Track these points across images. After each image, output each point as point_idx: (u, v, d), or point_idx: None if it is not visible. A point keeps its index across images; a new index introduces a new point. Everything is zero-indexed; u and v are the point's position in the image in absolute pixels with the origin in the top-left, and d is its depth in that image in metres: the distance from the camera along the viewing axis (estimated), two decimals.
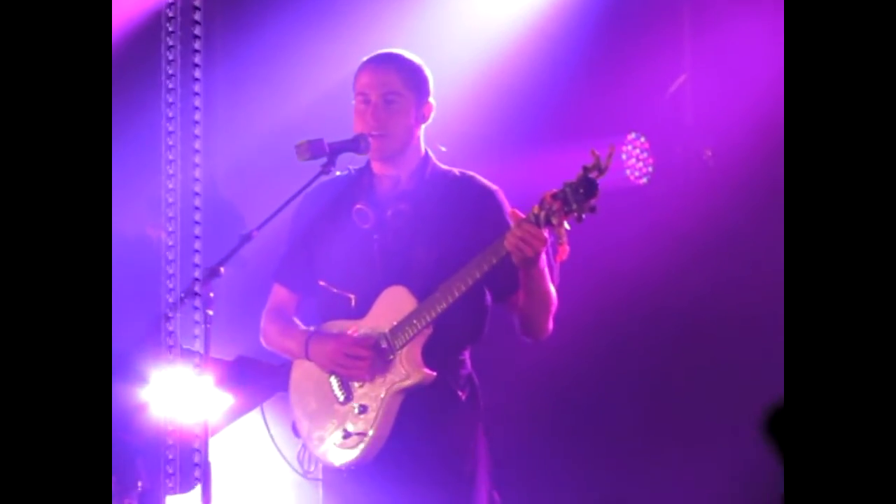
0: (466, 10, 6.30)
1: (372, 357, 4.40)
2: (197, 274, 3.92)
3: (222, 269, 4.25)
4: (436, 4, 6.26)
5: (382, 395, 4.41)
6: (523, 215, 4.21)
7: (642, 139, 6.16)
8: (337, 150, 4.50)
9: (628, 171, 6.14)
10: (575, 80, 6.22)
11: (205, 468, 4.04)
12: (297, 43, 6.33)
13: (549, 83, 6.22)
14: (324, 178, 4.49)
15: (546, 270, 4.33)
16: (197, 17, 3.57)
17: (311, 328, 4.57)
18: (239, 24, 6.33)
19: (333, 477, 4.50)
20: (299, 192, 4.47)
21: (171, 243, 3.74)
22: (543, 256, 4.27)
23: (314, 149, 4.48)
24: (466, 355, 4.52)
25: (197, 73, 3.62)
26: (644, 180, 6.18)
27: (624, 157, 6.12)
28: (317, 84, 6.24)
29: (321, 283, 4.57)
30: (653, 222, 6.09)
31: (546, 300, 4.40)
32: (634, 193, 6.12)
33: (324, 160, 4.48)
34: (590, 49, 6.17)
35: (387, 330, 4.41)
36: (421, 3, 6.25)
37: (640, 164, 6.16)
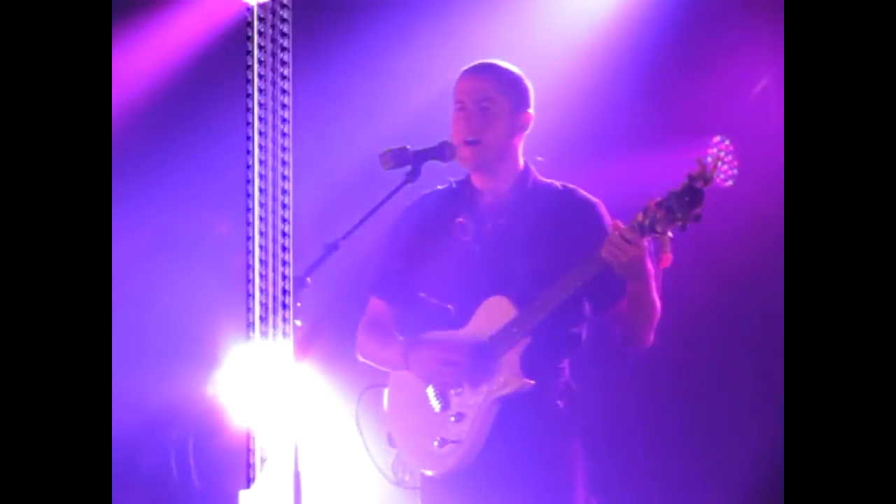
0: (549, 15, 6.27)
1: (468, 363, 4.40)
2: (287, 285, 3.92)
3: (309, 280, 4.25)
4: (518, 12, 6.25)
5: (479, 403, 4.40)
6: (623, 225, 4.20)
7: (727, 142, 6.11)
8: (421, 157, 4.49)
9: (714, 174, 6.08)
10: (659, 84, 6.17)
11: (296, 476, 4.05)
12: (386, 53, 6.35)
13: (633, 88, 6.18)
14: (408, 188, 4.49)
15: (651, 279, 4.31)
16: (284, 28, 3.57)
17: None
18: (327, 32, 6.37)
19: (431, 485, 4.51)
20: (384, 200, 4.46)
21: (262, 257, 3.74)
22: (649, 264, 4.25)
23: (399, 157, 4.47)
24: (565, 364, 4.51)
25: (286, 86, 3.62)
26: (729, 183, 6.13)
27: (709, 159, 6.07)
28: (404, 94, 6.25)
29: (421, 294, 4.58)
30: (739, 225, 6.02)
31: (651, 310, 4.38)
32: (719, 196, 6.06)
33: (408, 168, 4.48)
34: (673, 52, 6.12)
35: (486, 338, 4.41)
36: (504, 10, 6.24)
37: (726, 166, 6.11)
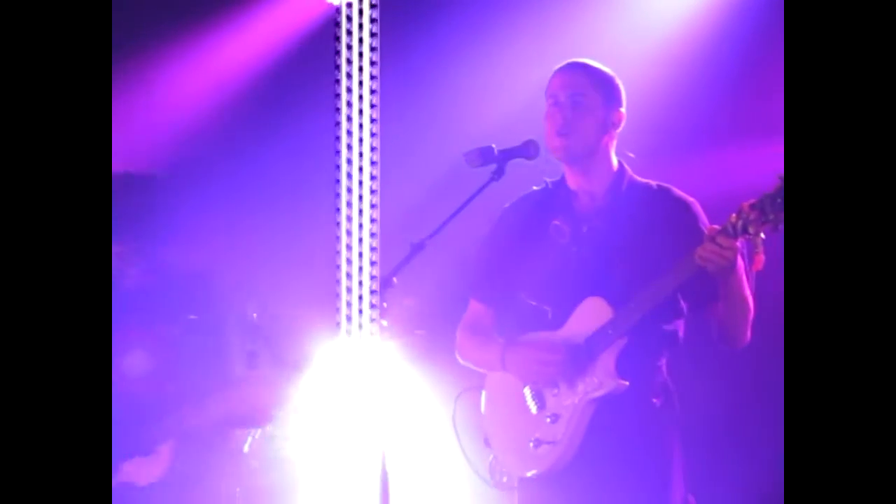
0: (638, 13, 6.24)
1: (565, 363, 4.39)
2: (374, 285, 3.92)
3: (395, 279, 4.25)
4: (607, 11, 6.22)
5: (575, 404, 4.39)
6: (718, 227, 4.18)
7: None
8: (506, 156, 4.48)
9: None
10: (749, 81, 6.11)
11: (383, 478, 4.05)
12: (473, 52, 6.34)
13: (721, 85, 6.12)
14: (494, 187, 4.47)
15: (744, 278, 4.29)
16: (373, 28, 3.57)
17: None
18: (413, 31, 6.37)
19: (528, 486, 4.49)
20: (469, 199, 4.45)
21: (348, 256, 3.75)
22: (741, 263, 4.23)
23: (484, 156, 4.47)
24: (662, 363, 4.48)
25: (374, 85, 3.62)
26: None
27: None
28: (492, 94, 6.25)
29: (519, 296, 4.58)
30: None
31: (744, 308, 4.36)
32: None
33: (493, 167, 4.47)
34: (763, 49, 6.05)
35: (582, 340, 4.40)
36: (593, 10, 6.22)
37: None
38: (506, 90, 6.03)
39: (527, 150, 4.51)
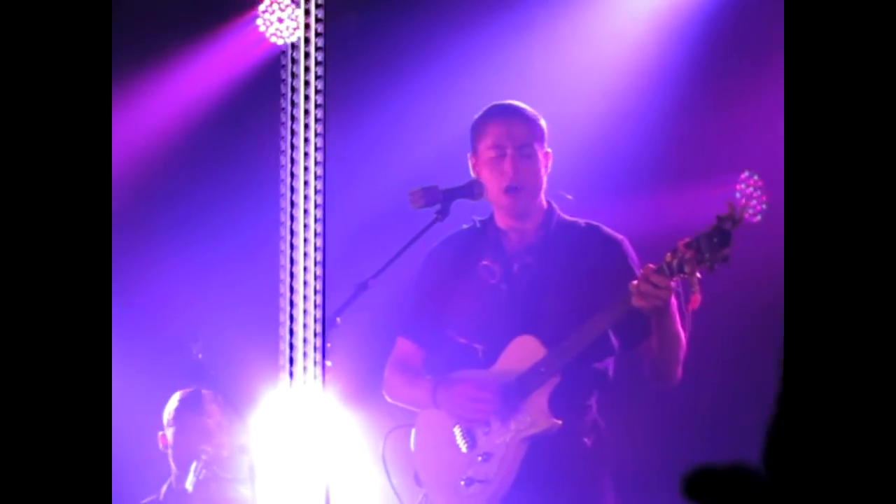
0: (573, 52, 6.27)
1: (497, 401, 4.41)
2: (316, 328, 3.91)
3: (338, 319, 4.24)
4: (540, 48, 6.25)
5: (507, 443, 4.39)
6: (653, 266, 4.19)
7: (756, 177, 6.07)
8: (451, 196, 4.52)
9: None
10: (687, 120, 6.16)
11: None
12: (415, 92, 6.36)
13: (660, 124, 6.16)
14: (438, 226, 4.50)
15: (676, 317, 4.31)
16: (318, 71, 3.58)
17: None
18: (351, 72, 6.38)
19: None
20: (414, 239, 4.47)
21: (293, 299, 3.73)
22: (674, 303, 4.25)
23: (428, 196, 4.50)
24: (593, 401, 4.50)
25: (318, 128, 3.63)
26: (758, 218, 6.09)
27: (738, 195, 6.05)
28: (433, 133, 6.26)
29: (449, 334, 4.57)
30: (766, 260, 5.99)
31: (677, 346, 4.39)
32: (748, 231, 6.03)
33: (438, 207, 4.48)
34: (701, 87, 6.10)
35: (514, 378, 4.40)
36: (529, 45, 6.24)
37: (754, 201, 6.07)
38: (446, 128, 6.05)
39: (470, 190, 4.54)
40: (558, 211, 4.60)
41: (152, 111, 6.51)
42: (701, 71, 6.05)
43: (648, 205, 5.86)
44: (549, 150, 4.58)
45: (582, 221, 4.61)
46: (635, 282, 4.20)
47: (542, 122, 4.58)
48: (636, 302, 4.20)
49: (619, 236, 4.56)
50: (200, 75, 6.51)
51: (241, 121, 6.47)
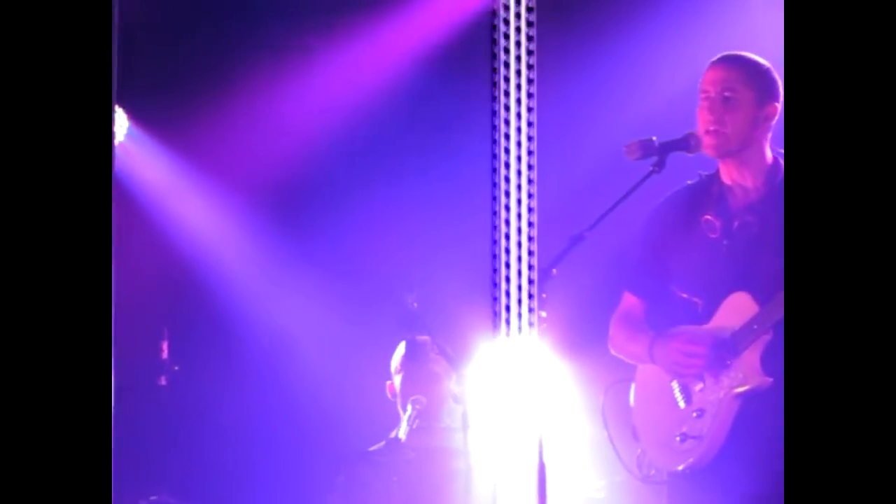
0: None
1: (709, 356, 4.39)
2: (532, 275, 3.92)
3: (554, 271, 4.25)
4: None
5: (720, 399, 4.38)
6: None
7: None
8: (667, 149, 4.48)
9: None
10: None
11: (541, 469, 4.05)
12: (633, 44, 6.33)
13: None
14: (654, 179, 4.45)
15: None
16: (530, 32, 3.59)
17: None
18: (572, 24, 6.38)
19: (678, 480, 4.51)
20: (629, 191, 4.44)
21: (507, 248, 3.76)
22: None
23: (644, 148, 4.47)
24: None
25: (531, 75, 3.63)
26: None
27: None
28: (652, 86, 6.22)
29: (671, 286, 4.58)
30: None
31: None
32: None
33: (654, 159, 4.45)
34: None
35: (728, 335, 4.37)
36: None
37: None
38: (670, 81, 5.99)
39: (687, 143, 4.50)
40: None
41: (373, 58, 6.62)
42: None
43: None
44: (778, 105, 4.49)
45: None
46: None
47: (773, 75, 4.51)
48: None
49: None
50: (416, 27, 6.59)
51: (451, 74, 6.53)
